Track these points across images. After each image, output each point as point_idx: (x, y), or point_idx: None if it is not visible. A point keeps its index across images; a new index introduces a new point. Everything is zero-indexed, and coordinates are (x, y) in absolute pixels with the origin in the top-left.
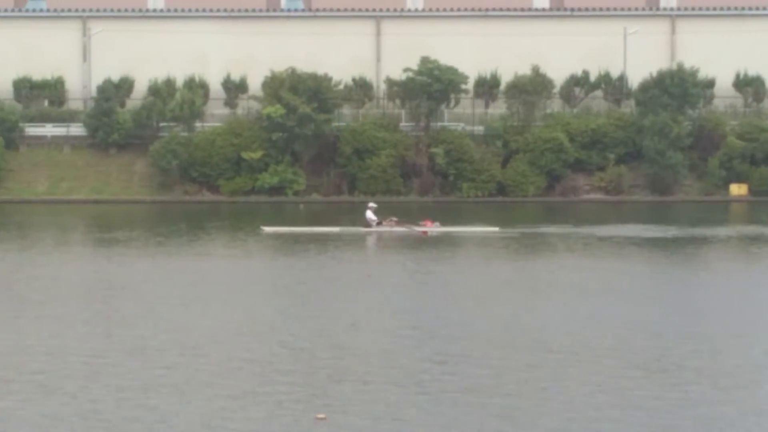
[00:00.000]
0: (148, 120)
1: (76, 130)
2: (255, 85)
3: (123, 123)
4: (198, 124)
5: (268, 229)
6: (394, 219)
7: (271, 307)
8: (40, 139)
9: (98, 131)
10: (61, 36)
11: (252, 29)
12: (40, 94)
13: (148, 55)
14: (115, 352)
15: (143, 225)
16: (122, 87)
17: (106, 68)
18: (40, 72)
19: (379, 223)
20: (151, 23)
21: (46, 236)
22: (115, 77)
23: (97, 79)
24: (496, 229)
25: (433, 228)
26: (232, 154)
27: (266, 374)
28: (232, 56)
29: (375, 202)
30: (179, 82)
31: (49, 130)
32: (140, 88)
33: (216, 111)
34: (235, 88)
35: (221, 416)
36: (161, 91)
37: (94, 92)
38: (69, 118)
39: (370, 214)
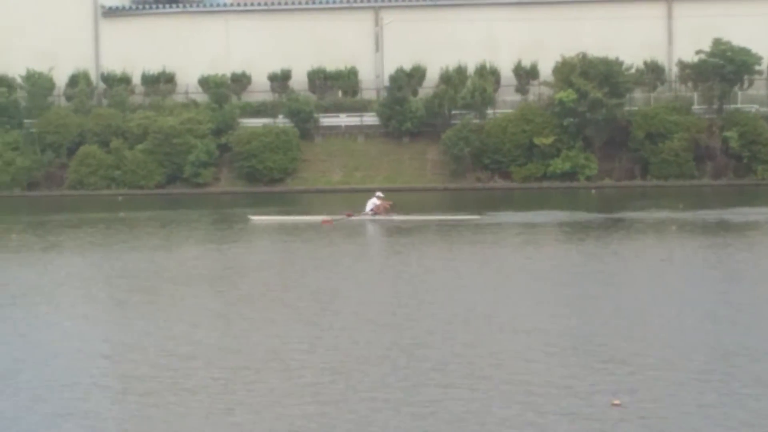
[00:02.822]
0: (440, 108)
1: (370, 119)
2: (546, 70)
3: (415, 111)
4: (489, 111)
5: (255, 218)
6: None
7: (565, 293)
8: (334, 129)
9: (391, 120)
10: (353, 27)
11: (542, 15)
12: (334, 85)
13: (439, 43)
14: (412, 339)
15: (435, 212)
16: (414, 76)
17: (398, 57)
18: (333, 63)
19: (375, 213)
20: (442, 11)
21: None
22: (407, 66)
23: (389, 69)
24: (478, 216)
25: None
26: (524, 141)
27: (562, 361)
28: (522, 42)
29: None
30: (470, 69)
31: (342, 120)
32: (432, 77)
33: (507, 98)
34: (525, 75)
35: (518, 402)
36: (453, 78)
37: (386, 81)
38: (362, 107)
39: (375, 201)
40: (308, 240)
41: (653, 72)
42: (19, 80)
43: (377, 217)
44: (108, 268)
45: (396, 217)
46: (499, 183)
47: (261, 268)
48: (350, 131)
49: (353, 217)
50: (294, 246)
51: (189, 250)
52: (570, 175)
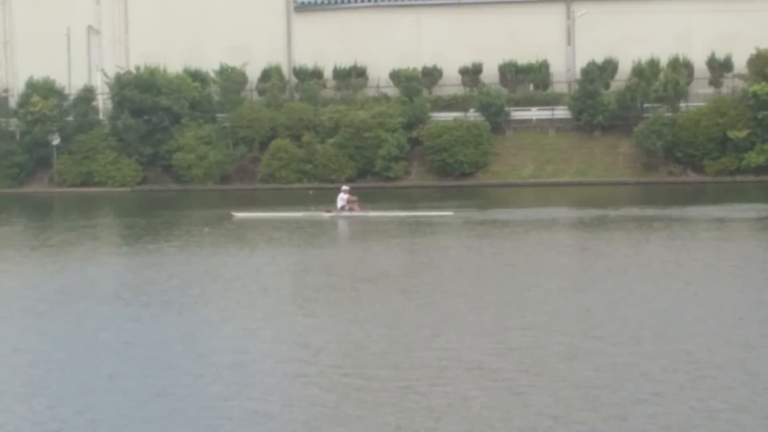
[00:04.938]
0: (632, 101)
1: (561, 113)
2: (740, 63)
3: (607, 105)
4: (682, 104)
5: (239, 215)
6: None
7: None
8: (525, 123)
9: (582, 114)
10: (545, 20)
11: (737, 6)
12: (525, 78)
13: (631, 36)
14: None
15: (628, 206)
16: (606, 69)
17: (590, 50)
18: (524, 56)
19: (343, 208)
20: (633, 4)
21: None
22: (599, 59)
23: (580, 62)
24: (451, 213)
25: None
26: (718, 134)
27: None
28: (716, 34)
29: None
30: (663, 62)
31: (533, 113)
32: (624, 69)
33: (700, 90)
34: (719, 67)
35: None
36: (645, 71)
37: (577, 75)
38: (553, 101)
39: (343, 196)
40: (490, 236)
41: None
42: (212, 75)
43: (354, 214)
44: (297, 264)
45: (372, 213)
46: (692, 177)
47: (447, 264)
48: (541, 125)
49: (332, 214)
50: (476, 242)
51: (372, 245)
52: (764, 169)
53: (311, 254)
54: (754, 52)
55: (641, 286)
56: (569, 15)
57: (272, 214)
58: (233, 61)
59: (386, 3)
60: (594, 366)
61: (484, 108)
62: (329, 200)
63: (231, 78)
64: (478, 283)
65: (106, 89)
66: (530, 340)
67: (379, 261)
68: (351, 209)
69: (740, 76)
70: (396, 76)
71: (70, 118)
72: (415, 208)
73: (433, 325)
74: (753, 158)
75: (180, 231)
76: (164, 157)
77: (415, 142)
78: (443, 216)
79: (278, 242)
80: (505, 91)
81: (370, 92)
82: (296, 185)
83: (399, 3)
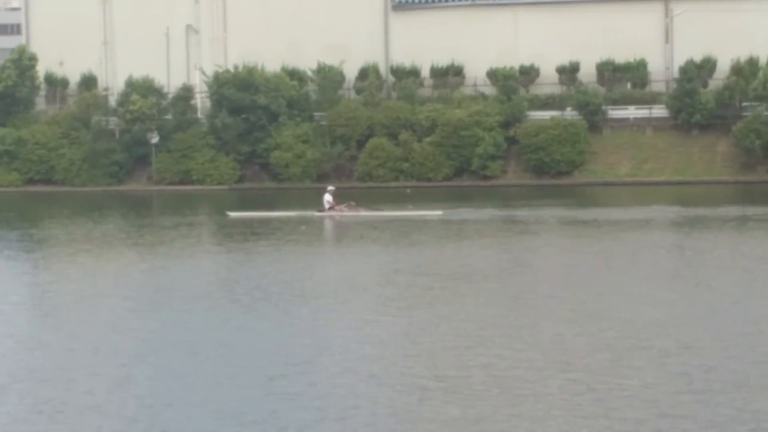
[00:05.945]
0: (731, 100)
1: (658, 111)
2: None
3: (705, 103)
4: None
5: (233, 214)
6: (352, 203)
7: None
8: (622, 122)
9: (680, 112)
10: (643, 18)
11: None
12: (623, 77)
13: (730, 34)
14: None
15: (725, 205)
16: (704, 67)
17: (688, 49)
18: (622, 54)
19: (331, 208)
20: (732, 2)
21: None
22: (697, 57)
23: (679, 60)
24: (440, 212)
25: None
26: None
27: None
28: None
29: None
30: (762, 60)
31: (631, 112)
32: (722, 68)
33: None
34: None
35: None
36: (744, 70)
37: (676, 73)
38: (651, 99)
39: (328, 197)
40: (584, 235)
41: None
42: (310, 74)
43: (345, 213)
44: (393, 263)
45: (364, 213)
46: None
47: (541, 264)
48: (638, 123)
49: (324, 213)
50: (572, 242)
51: (466, 244)
52: None
53: (406, 254)
54: None
55: (736, 288)
56: (667, 13)
57: (265, 214)
58: (331, 60)
59: (483, 2)
60: (686, 371)
61: (581, 107)
62: (426, 199)
63: (328, 76)
64: (572, 283)
65: (205, 88)
66: (623, 343)
67: (475, 260)
68: (332, 207)
69: None
70: (493, 75)
71: (169, 117)
72: (404, 209)
73: (530, 325)
74: None
75: (273, 229)
76: (262, 156)
77: (511, 140)
78: (432, 215)
79: (373, 241)
80: (602, 89)
81: (467, 91)
82: (393, 184)
83: (496, 2)
